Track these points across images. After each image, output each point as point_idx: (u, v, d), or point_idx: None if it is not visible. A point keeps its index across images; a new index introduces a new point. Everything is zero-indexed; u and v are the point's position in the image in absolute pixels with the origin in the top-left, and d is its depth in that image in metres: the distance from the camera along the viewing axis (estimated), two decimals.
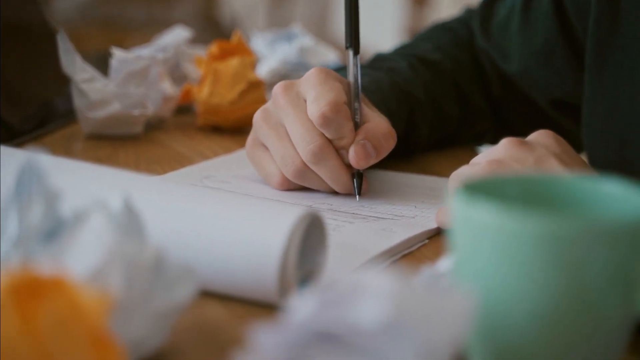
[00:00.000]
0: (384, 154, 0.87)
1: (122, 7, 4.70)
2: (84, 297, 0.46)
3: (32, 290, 0.44)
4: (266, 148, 0.87)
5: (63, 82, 1.09)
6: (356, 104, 0.87)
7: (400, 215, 0.82)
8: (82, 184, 0.66)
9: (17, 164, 0.61)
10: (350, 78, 0.87)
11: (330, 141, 0.85)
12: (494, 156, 0.75)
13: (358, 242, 0.76)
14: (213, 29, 4.48)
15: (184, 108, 1.14)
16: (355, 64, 0.88)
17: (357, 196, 0.86)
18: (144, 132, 1.05)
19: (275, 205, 0.67)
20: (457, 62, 1.05)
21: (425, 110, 1.00)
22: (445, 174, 0.94)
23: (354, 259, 0.71)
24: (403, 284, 0.45)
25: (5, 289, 0.44)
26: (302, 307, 0.47)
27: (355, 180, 0.86)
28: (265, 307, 0.64)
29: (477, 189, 0.52)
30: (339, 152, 0.85)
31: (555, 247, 0.47)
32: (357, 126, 0.86)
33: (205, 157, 0.97)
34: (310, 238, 0.66)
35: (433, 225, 0.80)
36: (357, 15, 0.89)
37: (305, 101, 0.85)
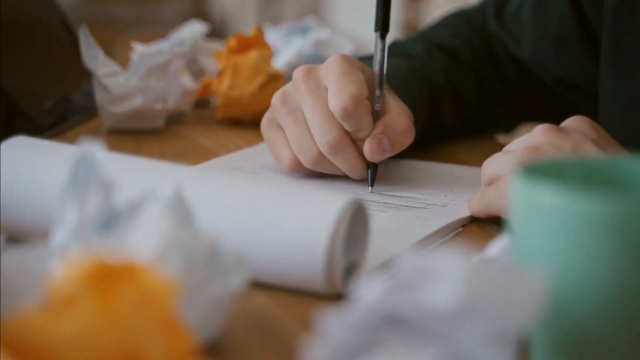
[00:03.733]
0: (399, 149, 0.87)
1: (111, 7, 4.69)
2: (155, 282, 0.46)
3: (108, 277, 0.44)
4: (281, 129, 0.87)
5: (79, 77, 1.10)
6: (378, 92, 0.87)
7: (431, 204, 0.82)
8: (131, 175, 0.66)
9: (66, 157, 0.61)
10: (375, 64, 0.87)
11: (348, 133, 0.85)
12: (530, 143, 0.75)
13: (395, 230, 0.76)
14: None
15: (202, 102, 1.14)
16: (382, 49, 0.87)
17: (370, 187, 0.86)
18: (165, 126, 1.05)
19: (320, 194, 0.67)
20: (473, 47, 1.06)
21: (445, 95, 1.00)
22: (468, 162, 0.95)
23: (394, 246, 0.72)
24: (476, 265, 0.46)
25: (81, 277, 0.44)
26: (371, 290, 0.48)
27: (370, 171, 0.86)
28: (309, 296, 0.64)
29: (536, 172, 0.52)
30: (356, 142, 0.86)
31: (624, 229, 0.47)
32: (377, 115, 0.86)
33: (229, 150, 0.97)
34: (354, 226, 0.66)
35: (466, 213, 0.80)
36: None
37: (325, 89, 0.85)
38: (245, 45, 1.08)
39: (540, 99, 1.07)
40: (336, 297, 0.64)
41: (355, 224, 0.66)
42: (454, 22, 1.09)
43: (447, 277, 0.46)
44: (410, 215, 0.80)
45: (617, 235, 0.48)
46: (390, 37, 0.90)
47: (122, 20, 4.63)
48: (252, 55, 1.07)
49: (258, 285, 0.64)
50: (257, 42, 1.09)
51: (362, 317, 0.48)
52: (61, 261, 0.47)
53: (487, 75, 1.06)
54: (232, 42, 1.08)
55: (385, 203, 0.83)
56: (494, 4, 1.07)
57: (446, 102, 1.00)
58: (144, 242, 0.54)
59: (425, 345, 0.47)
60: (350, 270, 0.66)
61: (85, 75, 1.09)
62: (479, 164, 0.82)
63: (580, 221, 0.48)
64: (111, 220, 0.56)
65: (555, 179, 0.53)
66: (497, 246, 0.62)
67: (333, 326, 0.48)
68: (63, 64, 1.11)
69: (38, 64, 1.08)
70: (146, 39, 1.13)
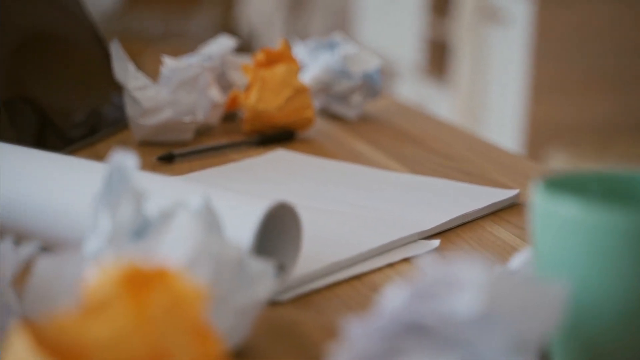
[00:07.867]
0: None
1: (139, 20, 4.73)
2: (185, 288, 0.47)
3: (140, 282, 0.46)
4: None
5: (109, 89, 1.12)
6: None
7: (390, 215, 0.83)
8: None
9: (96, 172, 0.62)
10: None
11: None
12: None
13: (341, 237, 0.77)
14: None
15: (230, 115, 1.16)
16: None
17: None
18: (194, 138, 1.07)
19: (244, 198, 0.68)
20: None
21: None
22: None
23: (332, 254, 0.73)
24: (497, 275, 0.47)
25: (115, 282, 0.46)
26: (394, 298, 0.49)
27: None
28: (335, 303, 0.65)
29: (557, 186, 0.54)
30: None
31: None
32: None
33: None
34: (282, 230, 0.68)
35: (418, 229, 0.79)
36: None
37: None
38: (272, 59, 1.10)
39: None
40: (358, 305, 0.65)
41: (285, 227, 0.68)
42: None
43: (468, 286, 0.47)
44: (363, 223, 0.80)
45: (635, 248, 0.49)
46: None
47: (151, 33, 4.66)
48: (280, 69, 1.08)
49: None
50: (284, 56, 1.10)
51: (385, 324, 0.49)
52: (95, 267, 0.49)
53: None
54: (260, 56, 1.10)
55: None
56: None
57: None
58: (174, 250, 0.56)
59: (447, 353, 0.48)
60: (279, 273, 0.67)
61: (115, 87, 1.11)
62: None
63: (599, 233, 0.49)
64: (143, 229, 0.57)
65: (576, 193, 0.54)
66: (521, 257, 0.63)
67: (357, 333, 0.49)
68: (93, 76, 1.13)
69: (69, 76, 1.10)
70: (174, 52, 1.15)
